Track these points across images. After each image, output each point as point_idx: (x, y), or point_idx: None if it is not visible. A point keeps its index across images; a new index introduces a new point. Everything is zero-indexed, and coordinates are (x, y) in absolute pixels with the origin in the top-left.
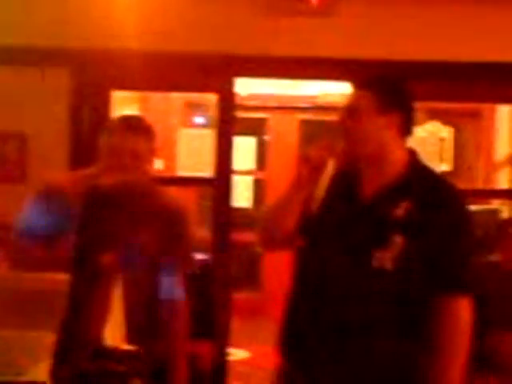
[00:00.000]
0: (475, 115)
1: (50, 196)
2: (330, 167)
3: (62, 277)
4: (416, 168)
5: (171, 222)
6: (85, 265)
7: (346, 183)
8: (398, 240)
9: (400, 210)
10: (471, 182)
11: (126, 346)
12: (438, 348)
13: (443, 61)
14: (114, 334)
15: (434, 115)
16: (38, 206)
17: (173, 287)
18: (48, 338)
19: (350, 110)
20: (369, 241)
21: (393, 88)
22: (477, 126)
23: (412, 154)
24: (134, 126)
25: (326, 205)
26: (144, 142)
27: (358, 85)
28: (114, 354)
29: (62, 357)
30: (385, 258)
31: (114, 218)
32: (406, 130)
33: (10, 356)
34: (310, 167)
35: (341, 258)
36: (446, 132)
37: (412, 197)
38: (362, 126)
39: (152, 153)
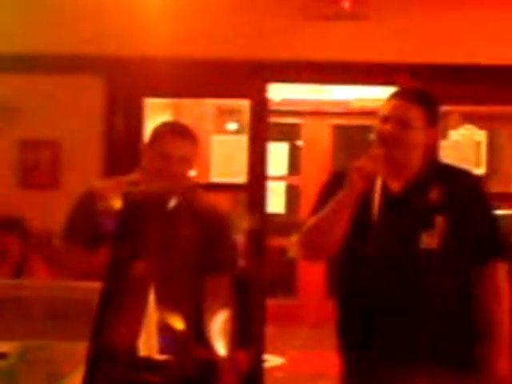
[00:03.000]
0: (510, 118)
1: (93, 201)
2: (379, 178)
3: (97, 285)
4: (432, 160)
5: (213, 226)
6: (118, 273)
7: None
8: (440, 220)
9: (433, 195)
10: (506, 186)
11: (160, 356)
12: (484, 315)
13: (477, 64)
14: (148, 343)
15: (468, 119)
16: (81, 211)
17: (218, 292)
18: (83, 348)
19: (402, 122)
20: (414, 226)
21: (435, 103)
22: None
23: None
24: (181, 131)
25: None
26: (191, 148)
27: (408, 97)
28: (148, 363)
29: (95, 366)
30: (431, 239)
31: (150, 226)
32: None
33: (46, 366)
34: (362, 178)
35: (388, 247)
36: (480, 135)
37: (440, 181)
38: (412, 137)
39: (197, 158)
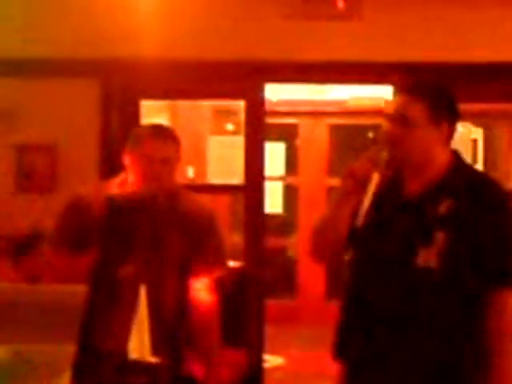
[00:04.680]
0: (506, 116)
1: (79, 207)
2: (375, 180)
3: (83, 289)
4: (459, 168)
5: (199, 227)
6: (106, 276)
7: (389, 186)
8: (441, 237)
9: (443, 208)
10: (503, 183)
11: (150, 358)
12: (488, 345)
13: (473, 62)
14: (139, 346)
15: (464, 116)
16: (67, 217)
17: (203, 292)
18: (69, 351)
19: (399, 118)
20: (413, 239)
21: (444, 97)
22: (508, 127)
23: (455, 155)
24: (162, 133)
25: (373, 214)
26: (173, 149)
27: (407, 90)
28: (135, 366)
29: (82, 369)
30: (429, 256)
31: (136, 228)
32: (452, 134)
33: (30, 370)
34: (354, 181)
35: (386, 257)
36: (477, 133)
37: (454, 195)
38: (412, 135)
39: (179, 159)
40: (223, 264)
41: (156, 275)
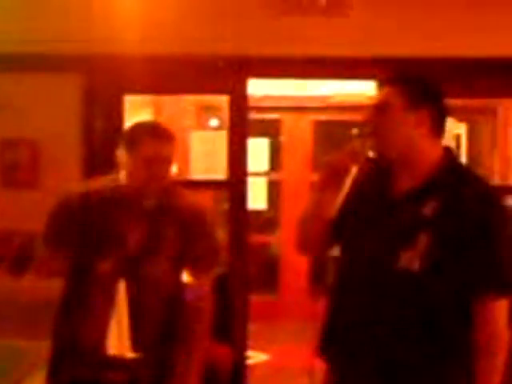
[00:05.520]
0: (490, 111)
1: (71, 205)
2: (354, 173)
3: (59, 285)
4: (449, 167)
5: (191, 223)
6: (81, 272)
7: (379, 182)
8: (424, 239)
9: (428, 209)
10: (487, 178)
11: (129, 354)
12: (474, 353)
13: (456, 57)
14: (118, 342)
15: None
16: (60, 215)
17: (198, 289)
18: (44, 348)
19: (379, 107)
20: (396, 240)
21: (421, 84)
22: (492, 122)
23: (447, 152)
24: (160, 133)
25: (357, 207)
26: (171, 147)
27: (386, 81)
28: (114, 362)
29: (58, 366)
30: (412, 258)
31: (116, 224)
32: (438, 127)
33: (7, 366)
34: (331, 174)
35: (370, 257)
36: (460, 128)
37: (441, 196)
38: (391, 123)
39: (175, 157)
40: (218, 262)
41: (146, 273)
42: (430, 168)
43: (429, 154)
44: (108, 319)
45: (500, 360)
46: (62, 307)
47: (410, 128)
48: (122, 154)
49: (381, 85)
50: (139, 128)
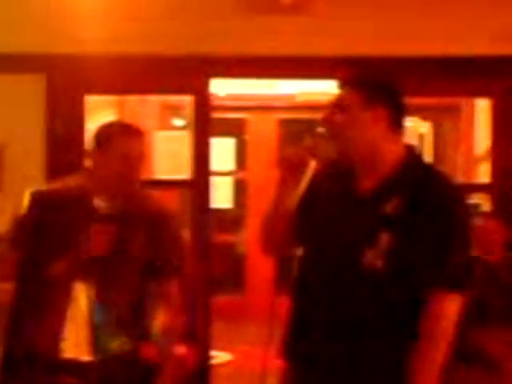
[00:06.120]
0: (454, 110)
1: (37, 206)
2: (312, 168)
3: (9, 287)
4: (412, 165)
5: (158, 226)
6: (34, 274)
7: (342, 182)
8: (386, 237)
9: (389, 207)
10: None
11: (84, 358)
12: (419, 341)
13: (421, 56)
14: (74, 345)
15: (412, 111)
16: (26, 215)
17: (166, 290)
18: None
19: (336, 107)
20: (359, 238)
21: (376, 82)
22: (456, 121)
23: (409, 150)
24: (133, 131)
25: (317, 207)
26: (143, 145)
27: (343, 81)
28: (68, 366)
29: (10, 370)
30: (375, 257)
31: (71, 225)
32: (396, 124)
33: None
34: (289, 168)
35: (333, 256)
36: (425, 127)
37: (402, 193)
38: (349, 121)
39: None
40: (185, 265)
41: (110, 276)
42: (392, 166)
43: (390, 151)
44: (63, 321)
45: (439, 349)
46: (13, 311)
47: (368, 126)
48: (93, 155)
49: (339, 84)
50: (112, 127)
